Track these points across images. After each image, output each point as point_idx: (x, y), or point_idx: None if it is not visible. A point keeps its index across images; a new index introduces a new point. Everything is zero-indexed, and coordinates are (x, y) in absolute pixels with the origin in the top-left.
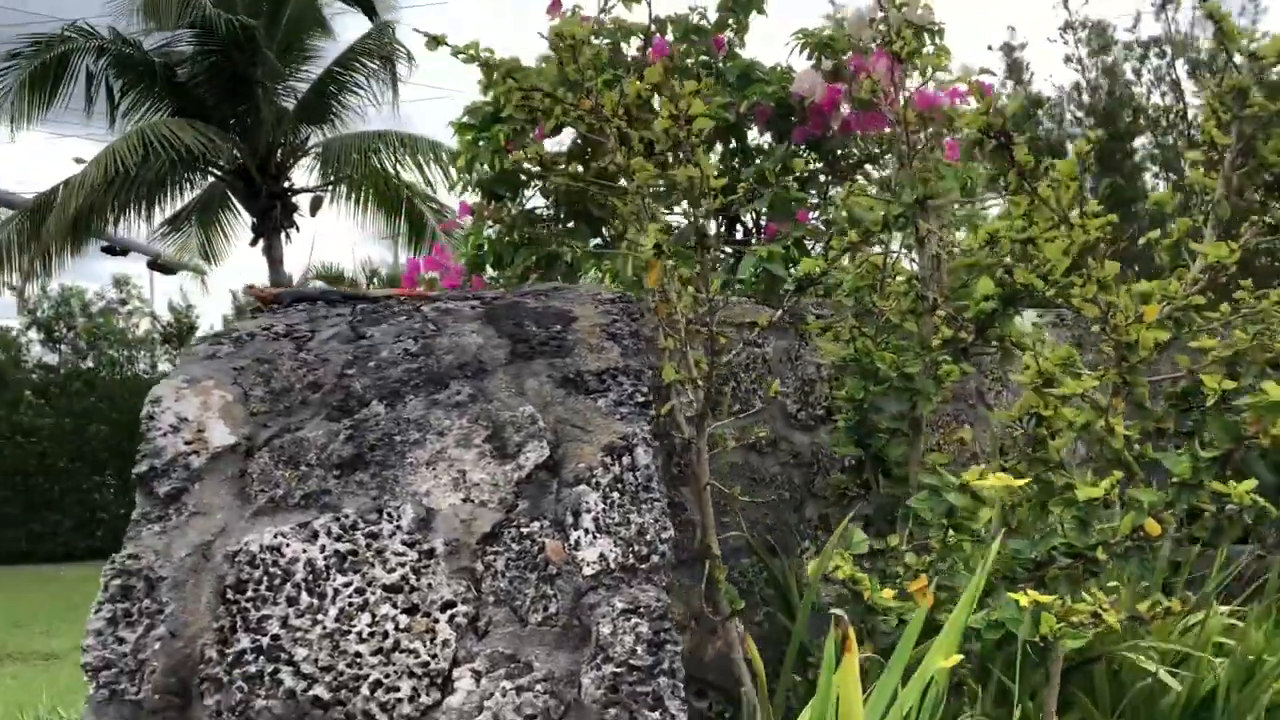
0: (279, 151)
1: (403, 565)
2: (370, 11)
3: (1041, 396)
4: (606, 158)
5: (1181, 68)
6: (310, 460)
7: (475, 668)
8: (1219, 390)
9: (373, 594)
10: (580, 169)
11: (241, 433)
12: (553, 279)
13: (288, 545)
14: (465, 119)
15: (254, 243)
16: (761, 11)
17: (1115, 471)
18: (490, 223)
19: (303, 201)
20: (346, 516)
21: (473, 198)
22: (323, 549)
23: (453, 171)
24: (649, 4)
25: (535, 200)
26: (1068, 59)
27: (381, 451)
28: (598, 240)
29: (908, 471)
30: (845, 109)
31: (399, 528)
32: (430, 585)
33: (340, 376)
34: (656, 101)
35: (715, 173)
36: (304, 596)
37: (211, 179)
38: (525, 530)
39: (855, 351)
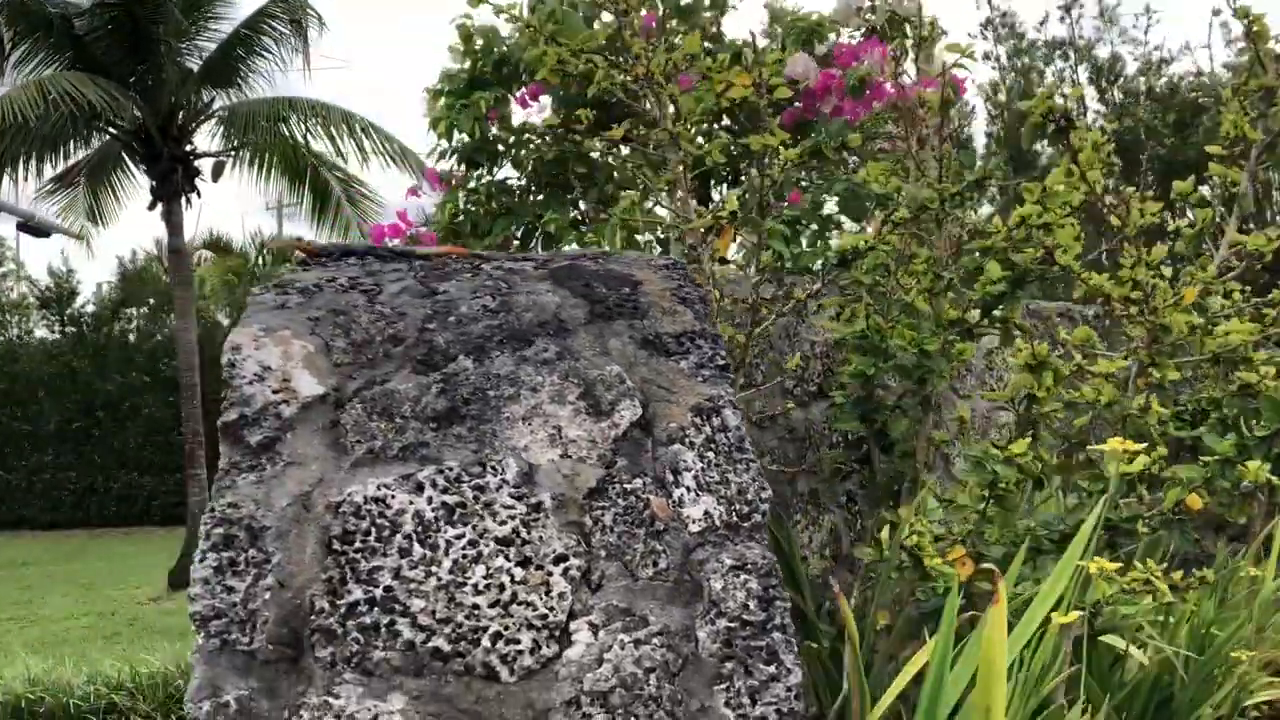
0: (181, 113)
1: (512, 518)
2: None
3: (1036, 376)
4: (650, 127)
5: (1084, 72)
6: (404, 413)
7: (592, 620)
8: (1276, 367)
9: (485, 546)
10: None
11: (329, 383)
12: (529, 248)
13: (393, 496)
14: (439, 85)
15: (152, 206)
16: None
17: (1159, 448)
18: (465, 191)
19: (205, 166)
20: (450, 469)
21: (443, 165)
22: (429, 501)
23: (367, 143)
24: None
25: (508, 170)
26: (986, 56)
27: (476, 406)
28: (574, 212)
29: (912, 447)
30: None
31: (505, 481)
32: (541, 538)
33: (421, 330)
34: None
35: (784, 140)
36: (416, 548)
37: (107, 138)
38: (628, 486)
39: (867, 328)
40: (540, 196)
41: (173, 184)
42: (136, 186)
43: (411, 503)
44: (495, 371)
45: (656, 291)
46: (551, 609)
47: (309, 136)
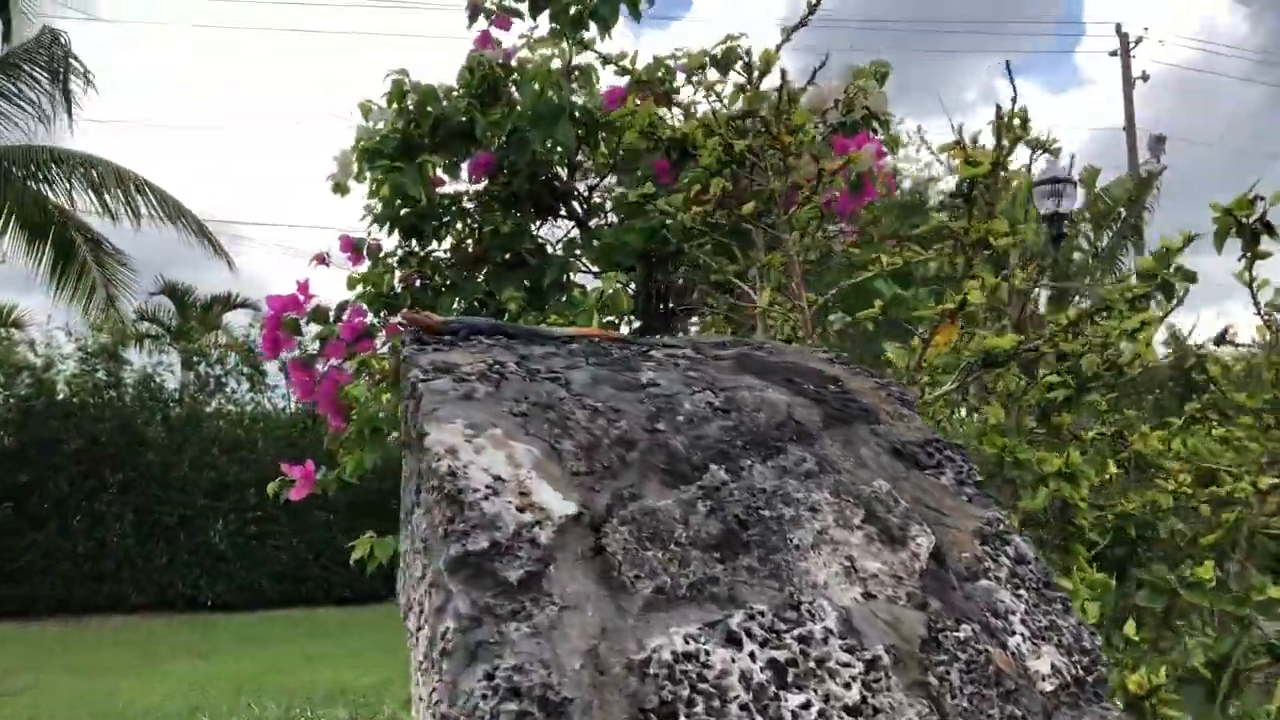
0: None
1: (853, 679)
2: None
3: (1073, 485)
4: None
5: None
6: (679, 538)
7: None
8: None
9: (835, 718)
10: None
11: (575, 498)
12: None
13: (707, 652)
14: (366, 144)
15: None
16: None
17: None
18: (398, 262)
19: None
20: (761, 614)
21: (375, 232)
22: (752, 657)
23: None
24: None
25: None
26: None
27: (756, 530)
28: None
29: None
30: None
31: (829, 630)
32: (892, 705)
33: (652, 433)
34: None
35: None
36: None
37: None
38: (959, 635)
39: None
40: (478, 272)
41: None
42: None
43: (733, 660)
44: (758, 485)
45: (866, 389)
46: None
47: (73, 192)
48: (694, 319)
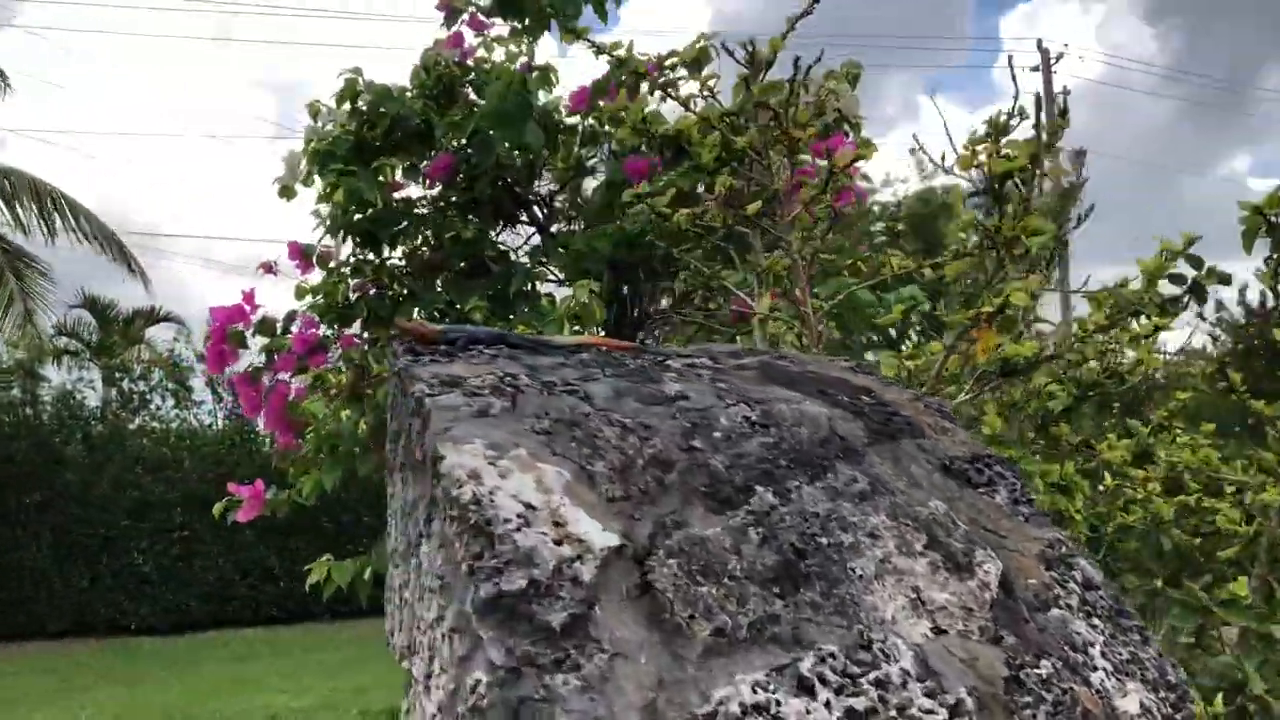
0: None
1: None
2: None
3: (1068, 498)
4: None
5: None
6: (733, 571)
7: None
8: None
9: None
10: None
11: (614, 527)
12: None
13: (780, 702)
14: (316, 146)
15: None
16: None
17: None
18: (351, 270)
19: None
20: (833, 656)
21: (327, 239)
22: (828, 706)
23: (33, 214)
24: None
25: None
26: None
27: (815, 560)
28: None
29: None
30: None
31: (907, 672)
32: None
33: (689, 451)
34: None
35: None
36: None
37: None
38: (1039, 673)
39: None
40: (437, 281)
41: None
42: None
43: (808, 711)
44: (810, 509)
45: (903, 401)
46: None
47: None
48: (667, 327)
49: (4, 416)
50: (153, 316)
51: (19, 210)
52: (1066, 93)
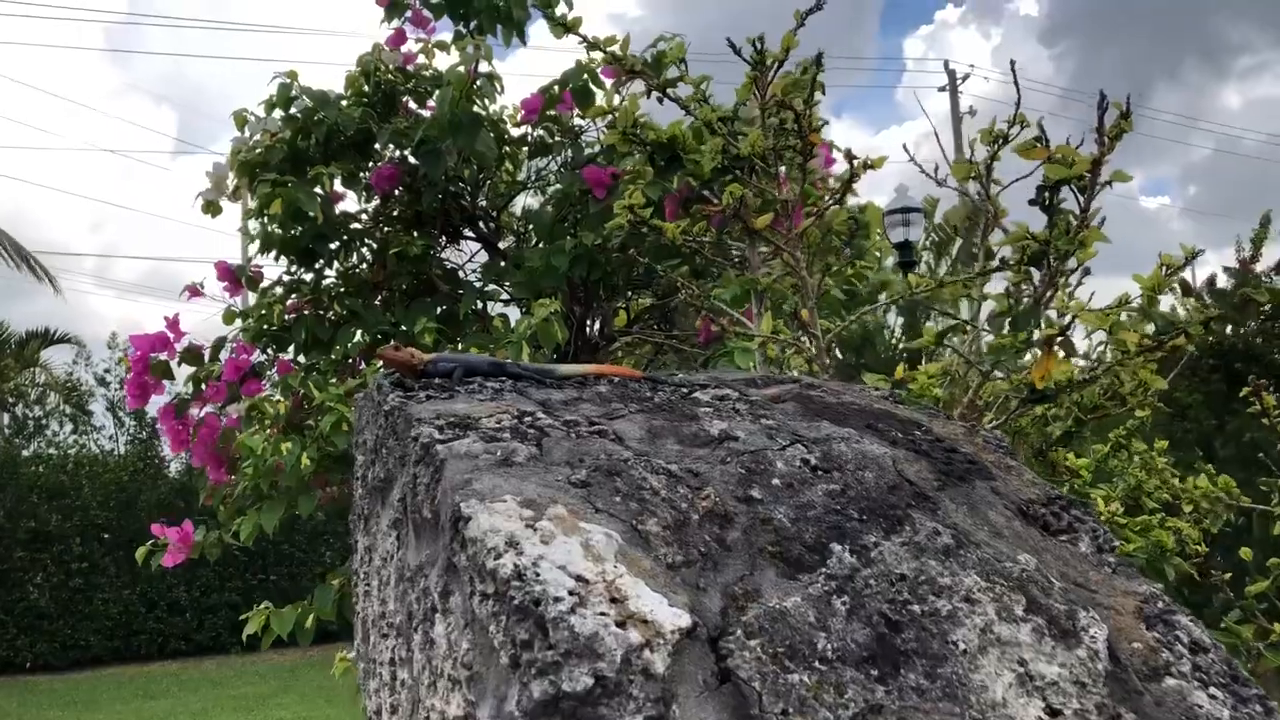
0: None
1: None
2: None
3: None
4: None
5: None
6: (823, 651)
7: None
8: None
9: None
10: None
11: (680, 601)
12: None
13: None
14: (246, 157)
15: None
16: None
17: None
18: (285, 290)
19: None
20: None
21: (258, 257)
22: None
23: None
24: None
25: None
26: None
27: (911, 632)
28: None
29: None
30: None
31: None
32: None
33: (747, 503)
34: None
35: None
36: None
37: None
38: None
39: None
40: (378, 300)
41: None
42: None
43: None
44: (895, 570)
45: (959, 436)
46: None
47: None
48: (618, 349)
49: None
50: (48, 337)
51: None
52: (973, 112)
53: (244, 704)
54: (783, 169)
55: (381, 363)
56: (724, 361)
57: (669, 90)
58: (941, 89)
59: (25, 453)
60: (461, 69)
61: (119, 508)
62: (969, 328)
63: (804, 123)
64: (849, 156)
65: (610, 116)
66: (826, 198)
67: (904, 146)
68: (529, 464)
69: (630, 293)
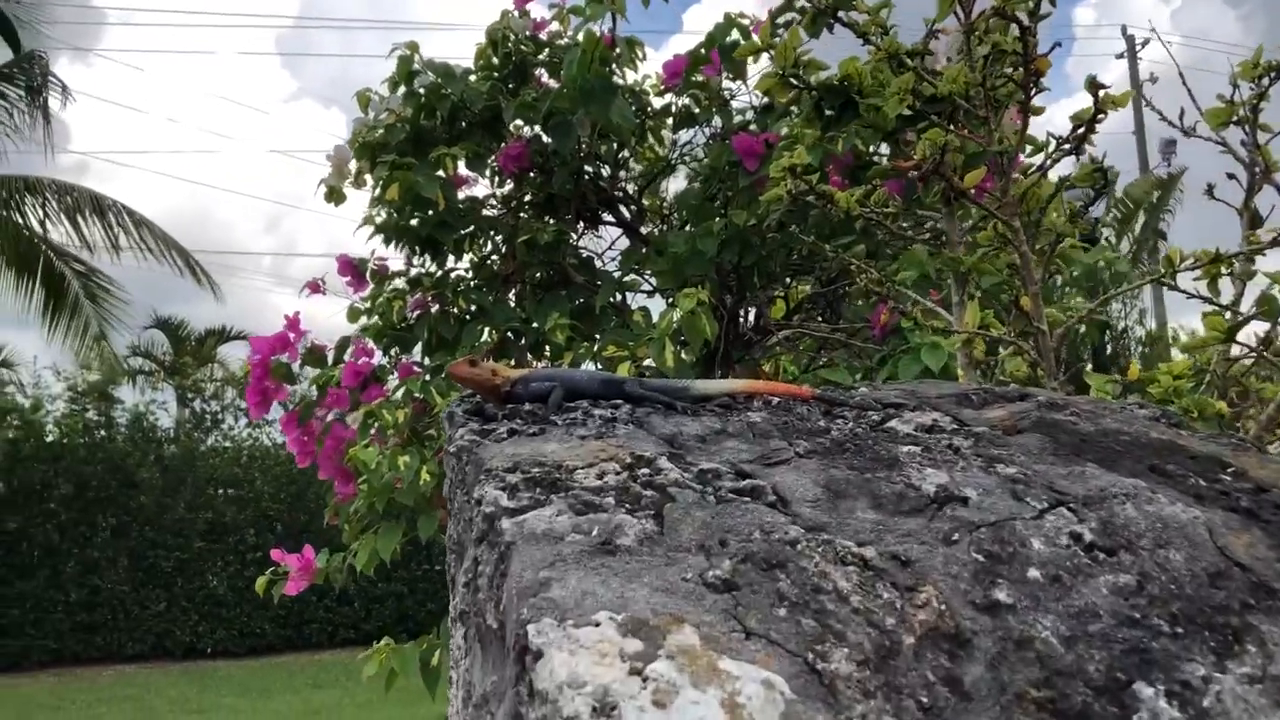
0: None
1: None
2: (13, 42)
3: None
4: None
5: None
6: None
7: None
8: None
9: None
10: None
11: None
12: (524, 362)
13: None
14: (366, 139)
15: None
16: None
17: None
18: (409, 284)
19: None
20: None
21: (380, 249)
22: None
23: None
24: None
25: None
26: None
27: None
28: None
29: None
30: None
31: None
32: None
33: (992, 613)
34: None
35: None
36: None
37: None
38: None
39: None
40: (509, 294)
41: None
42: None
43: None
44: None
45: (1268, 479)
46: None
47: (47, 222)
48: (777, 346)
49: (80, 440)
50: (224, 335)
51: (83, 226)
52: (1154, 79)
53: (409, 697)
54: (1007, 113)
55: (455, 381)
56: (906, 361)
57: (840, 14)
58: (1120, 55)
59: (203, 447)
60: (594, 28)
61: (290, 500)
62: (1229, 314)
63: (1029, 42)
64: (1093, 86)
65: (764, 58)
66: (1052, 145)
67: (1147, 78)
68: (641, 550)
69: (789, 279)
